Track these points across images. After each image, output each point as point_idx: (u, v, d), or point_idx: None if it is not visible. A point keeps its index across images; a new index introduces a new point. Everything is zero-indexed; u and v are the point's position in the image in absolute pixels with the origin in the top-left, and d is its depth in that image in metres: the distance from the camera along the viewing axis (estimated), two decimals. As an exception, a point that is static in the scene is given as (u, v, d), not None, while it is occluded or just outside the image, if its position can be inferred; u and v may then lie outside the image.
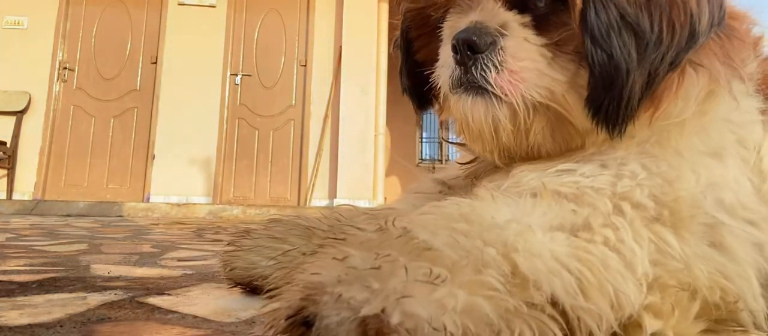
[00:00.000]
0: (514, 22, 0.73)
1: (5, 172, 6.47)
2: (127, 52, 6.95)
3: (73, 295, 0.82)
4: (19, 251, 1.49)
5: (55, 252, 1.49)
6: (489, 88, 0.72)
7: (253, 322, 0.68)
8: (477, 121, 0.75)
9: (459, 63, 0.75)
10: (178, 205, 5.85)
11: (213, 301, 0.80)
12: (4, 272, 1.06)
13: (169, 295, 0.85)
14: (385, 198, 6.96)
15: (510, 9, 0.74)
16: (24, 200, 6.11)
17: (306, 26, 7.09)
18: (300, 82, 7.02)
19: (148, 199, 6.51)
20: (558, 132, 0.74)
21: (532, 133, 0.73)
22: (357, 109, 6.80)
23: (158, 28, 6.96)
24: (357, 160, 6.70)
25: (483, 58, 0.72)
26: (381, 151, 6.86)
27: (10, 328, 0.61)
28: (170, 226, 3.33)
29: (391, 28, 0.99)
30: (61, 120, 6.78)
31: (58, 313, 0.69)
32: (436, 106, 0.93)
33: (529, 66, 0.71)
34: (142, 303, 0.78)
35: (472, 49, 0.72)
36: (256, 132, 6.90)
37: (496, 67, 0.72)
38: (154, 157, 6.69)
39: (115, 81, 6.90)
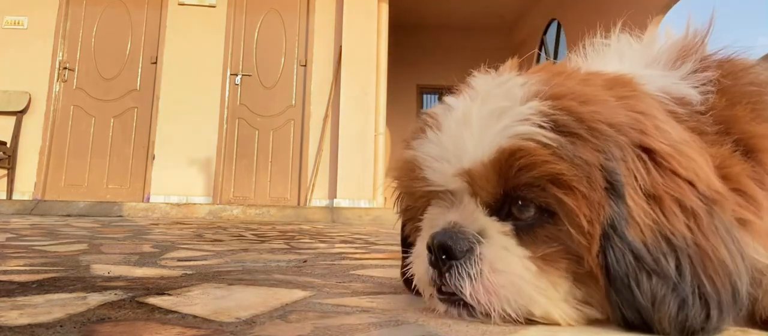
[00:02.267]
0: (493, 229, 0.68)
1: (5, 172, 6.47)
2: (127, 52, 6.95)
3: (73, 295, 0.82)
4: (19, 251, 1.49)
5: (55, 252, 1.49)
6: (464, 299, 0.68)
7: (253, 322, 0.68)
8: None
9: (433, 265, 0.70)
10: (178, 205, 5.85)
11: (213, 301, 0.80)
12: (4, 272, 1.06)
13: (169, 295, 0.85)
14: (385, 198, 6.96)
15: (490, 214, 0.69)
16: (24, 200, 6.11)
17: (306, 26, 7.09)
18: (300, 82, 7.02)
19: (148, 199, 6.51)
20: None
21: None
22: (357, 109, 6.80)
23: (158, 28, 6.97)
24: (357, 160, 6.70)
25: (458, 266, 0.67)
26: (381, 151, 6.86)
27: (10, 328, 0.61)
28: (170, 226, 3.33)
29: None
30: (61, 120, 6.78)
31: (58, 313, 0.69)
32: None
33: (507, 280, 0.65)
34: (142, 303, 0.78)
35: (448, 254, 0.68)
36: (256, 132, 6.90)
37: (471, 278, 0.67)
38: (154, 157, 6.69)
39: (115, 81, 6.90)
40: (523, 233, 0.67)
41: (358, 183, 6.65)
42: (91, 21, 6.98)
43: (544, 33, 9.73)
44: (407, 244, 0.86)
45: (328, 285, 1.00)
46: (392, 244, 2.17)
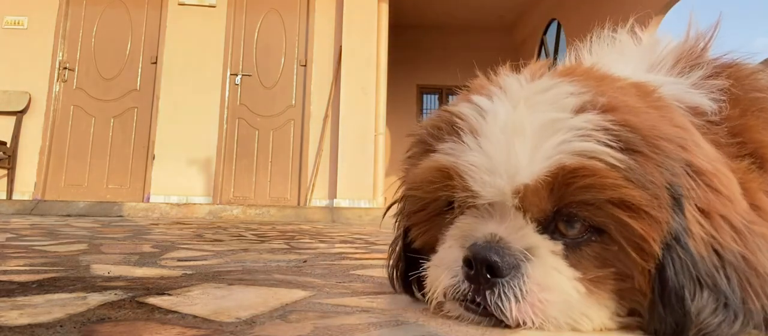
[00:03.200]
0: (544, 248, 0.65)
1: (5, 172, 6.47)
2: (127, 52, 6.95)
3: (73, 295, 0.82)
4: (19, 251, 1.49)
5: (55, 252, 1.49)
6: (502, 318, 0.64)
7: (253, 322, 0.68)
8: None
9: (472, 280, 0.66)
10: (178, 205, 5.85)
11: (213, 301, 0.80)
12: (4, 272, 1.06)
13: (169, 295, 0.85)
14: (385, 198, 6.96)
15: (538, 230, 0.66)
16: (24, 200, 6.11)
17: (306, 26, 7.09)
18: (300, 82, 7.02)
19: (148, 199, 6.51)
20: None
21: None
22: (357, 109, 6.80)
23: (158, 28, 6.97)
24: (357, 160, 6.70)
25: (503, 285, 0.64)
26: (381, 151, 6.86)
27: (10, 328, 0.61)
28: (170, 226, 3.33)
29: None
30: (61, 120, 6.78)
31: (58, 313, 0.69)
32: (418, 295, 0.83)
33: (556, 299, 0.63)
34: (142, 303, 0.78)
35: (492, 272, 0.64)
36: (256, 132, 6.90)
37: (517, 298, 0.63)
38: (154, 157, 6.69)
39: (115, 81, 6.90)
40: (571, 252, 0.65)
41: (358, 183, 6.65)
42: (91, 21, 6.98)
43: (544, 33, 9.73)
44: (411, 248, 0.82)
45: (328, 285, 1.00)
46: (392, 244, 2.17)
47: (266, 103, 6.95)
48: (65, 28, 6.93)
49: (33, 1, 6.89)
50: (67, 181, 6.66)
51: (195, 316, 0.70)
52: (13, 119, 6.54)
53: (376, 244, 2.18)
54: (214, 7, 7.02)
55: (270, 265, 1.31)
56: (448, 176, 0.70)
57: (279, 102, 6.97)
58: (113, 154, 6.77)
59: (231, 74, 6.96)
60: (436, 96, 10.89)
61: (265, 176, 6.82)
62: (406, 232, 0.83)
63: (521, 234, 0.66)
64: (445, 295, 0.69)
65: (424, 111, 10.89)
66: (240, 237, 2.41)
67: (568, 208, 0.64)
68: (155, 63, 6.90)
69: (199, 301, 0.80)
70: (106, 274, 1.07)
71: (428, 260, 0.75)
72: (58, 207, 5.46)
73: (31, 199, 6.35)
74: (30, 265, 1.18)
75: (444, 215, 0.75)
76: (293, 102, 6.99)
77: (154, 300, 0.80)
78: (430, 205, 0.77)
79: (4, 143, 6.43)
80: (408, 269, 0.83)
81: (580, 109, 0.65)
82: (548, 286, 0.63)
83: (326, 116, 6.87)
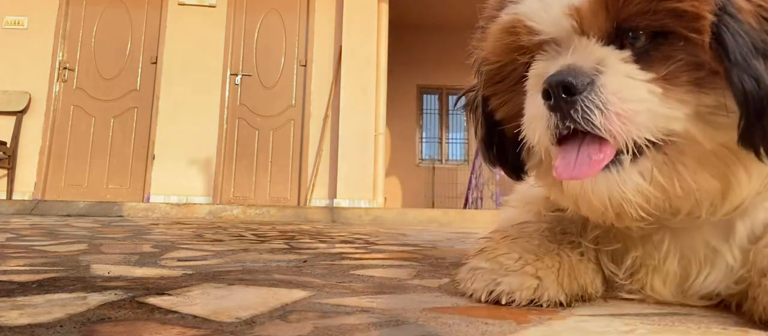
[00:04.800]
0: (613, 58, 0.67)
1: (5, 172, 6.47)
2: (127, 52, 6.95)
3: (73, 295, 0.82)
4: (19, 251, 1.49)
5: (55, 252, 1.49)
6: (597, 132, 0.65)
7: (253, 322, 0.68)
8: (600, 201, 0.67)
9: (554, 109, 0.68)
10: (178, 205, 5.85)
11: (213, 301, 0.80)
12: (4, 272, 1.06)
13: (169, 295, 0.85)
14: (385, 198, 6.97)
15: (606, 45, 0.68)
16: (24, 200, 6.11)
17: (306, 26, 7.09)
18: (300, 82, 7.02)
19: (148, 199, 6.51)
20: (704, 175, 0.66)
21: (675, 191, 0.66)
22: (357, 109, 6.80)
23: (158, 28, 6.97)
24: (357, 160, 6.70)
25: (583, 100, 0.65)
26: (381, 151, 6.87)
27: (10, 328, 0.61)
28: (170, 226, 3.33)
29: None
30: (61, 120, 6.78)
31: (58, 313, 0.69)
32: (534, 171, 0.85)
33: (637, 107, 0.64)
34: (142, 303, 0.78)
35: (568, 92, 0.65)
36: (256, 132, 6.90)
37: (601, 109, 0.64)
38: (154, 157, 6.69)
39: (115, 81, 6.90)
40: (640, 59, 0.66)
41: (358, 183, 6.65)
42: (91, 21, 6.98)
43: (544, 33, 9.71)
44: (492, 121, 0.85)
45: (328, 285, 1.00)
46: (392, 244, 2.17)
47: (266, 103, 6.95)
48: (65, 28, 6.93)
49: (33, 1, 6.89)
50: (67, 181, 6.66)
51: (195, 316, 0.70)
52: (13, 119, 6.55)
53: (376, 244, 2.18)
54: (214, 7, 7.02)
55: (270, 265, 1.31)
56: (514, 28, 0.74)
57: (279, 102, 6.98)
58: (113, 154, 6.77)
59: (231, 74, 6.97)
60: (436, 96, 10.88)
61: (265, 176, 6.82)
62: (486, 100, 0.86)
63: (588, 52, 0.68)
64: (548, 140, 0.70)
65: (424, 111, 10.89)
66: (240, 237, 2.41)
67: (627, 22, 0.67)
68: (155, 63, 6.90)
69: (199, 301, 0.80)
70: (106, 274, 1.07)
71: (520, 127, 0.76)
72: (58, 207, 5.46)
73: (31, 199, 6.35)
74: (30, 265, 1.18)
75: (522, 84, 0.77)
76: (293, 102, 6.99)
77: (154, 300, 0.80)
78: (507, 73, 0.80)
79: (4, 143, 6.43)
80: (491, 138, 0.87)
81: None
82: (626, 95, 0.64)
83: (326, 116, 6.87)
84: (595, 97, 0.65)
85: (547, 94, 0.68)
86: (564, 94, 0.66)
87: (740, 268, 0.74)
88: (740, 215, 0.73)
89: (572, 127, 0.67)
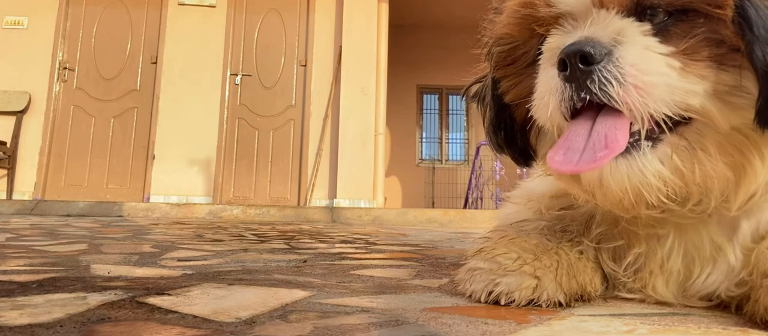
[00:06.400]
0: (632, 29, 0.65)
1: (5, 172, 6.47)
2: (127, 52, 6.95)
3: (73, 295, 0.82)
4: (19, 251, 1.49)
5: (55, 252, 1.49)
6: (614, 104, 0.63)
7: (253, 322, 0.68)
8: (619, 186, 0.65)
9: (569, 79, 0.66)
10: (178, 205, 5.84)
11: (213, 301, 0.80)
12: (4, 272, 1.06)
13: (169, 295, 0.85)
14: (385, 198, 6.96)
15: (626, 17, 0.67)
16: (24, 200, 6.10)
17: (306, 26, 7.09)
18: (300, 82, 7.02)
19: (148, 199, 6.51)
20: (722, 162, 0.65)
21: (694, 178, 0.64)
22: (357, 109, 6.80)
23: (158, 28, 6.97)
24: (357, 160, 6.70)
25: (600, 70, 0.63)
26: (381, 151, 6.87)
27: (10, 328, 0.61)
28: (170, 226, 3.33)
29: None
30: (61, 120, 6.78)
31: (58, 313, 0.69)
32: (544, 159, 0.83)
33: (656, 80, 0.62)
34: (142, 303, 0.78)
35: (585, 61, 0.64)
36: (256, 132, 6.90)
37: (619, 81, 0.62)
38: (154, 157, 6.69)
39: (115, 81, 6.90)
40: (659, 33, 0.65)
41: (358, 183, 6.65)
42: (91, 21, 6.98)
43: (544, 33, 9.71)
44: (501, 104, 0.83)
45: (328, 285, 1.00)
46: (392, 244, 2.17)
47: (266, 103, 6.95)
48: (65, 28, 6.93)
49: (33, 1, 6.90)
50: (67, 181, 6.66)
51: (195, 316, 0.70)
52: (13, 119, 6.55)
53: (376, 244, 2.18)
54: (214, 7, 7.02)
55: (270, 265, 1.31)
56: (532, 0, 0.72)
57: (279, 102, 6.98)
58: (113, 154, 6.77)
59: (231, 74, 6.97)
60: (436, 96, 10.88)
61: (265, 176, 6.82)
62: (496, 83, 0.84)
63: (606, 24, 0.66)
64: (561, 115, 0.69)
65: (424, 111, 10.89)
66: (240, 237, 2.41)
67: None
68: (155, 63, 6.90)
69: (199, 301, 0.80)
70: (106, 274, 1.07)
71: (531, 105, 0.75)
72: (58, 207, 5.46)
73: (31, 199, 6.35)
74: (30, 265, 1.18)
75: (534, 66, 0.76)
76: (293, 102, 6.99)
77: (154, 300, 0.80)
78: (519, 54, 0.78)
79: (4, 143, 6.43)
80: (499, 122, 0.85)
81: None
82: (644, 68, 0.63)
83: (326, 116, 6.87)
84: (613, 68, 0.63)
85: (562, 65, 0.66)
86: (581, 64, 0.64)
87: (741, 269, 0.73)
88: (746, 214, 0.73)
89: (588, 98, 0.65)
